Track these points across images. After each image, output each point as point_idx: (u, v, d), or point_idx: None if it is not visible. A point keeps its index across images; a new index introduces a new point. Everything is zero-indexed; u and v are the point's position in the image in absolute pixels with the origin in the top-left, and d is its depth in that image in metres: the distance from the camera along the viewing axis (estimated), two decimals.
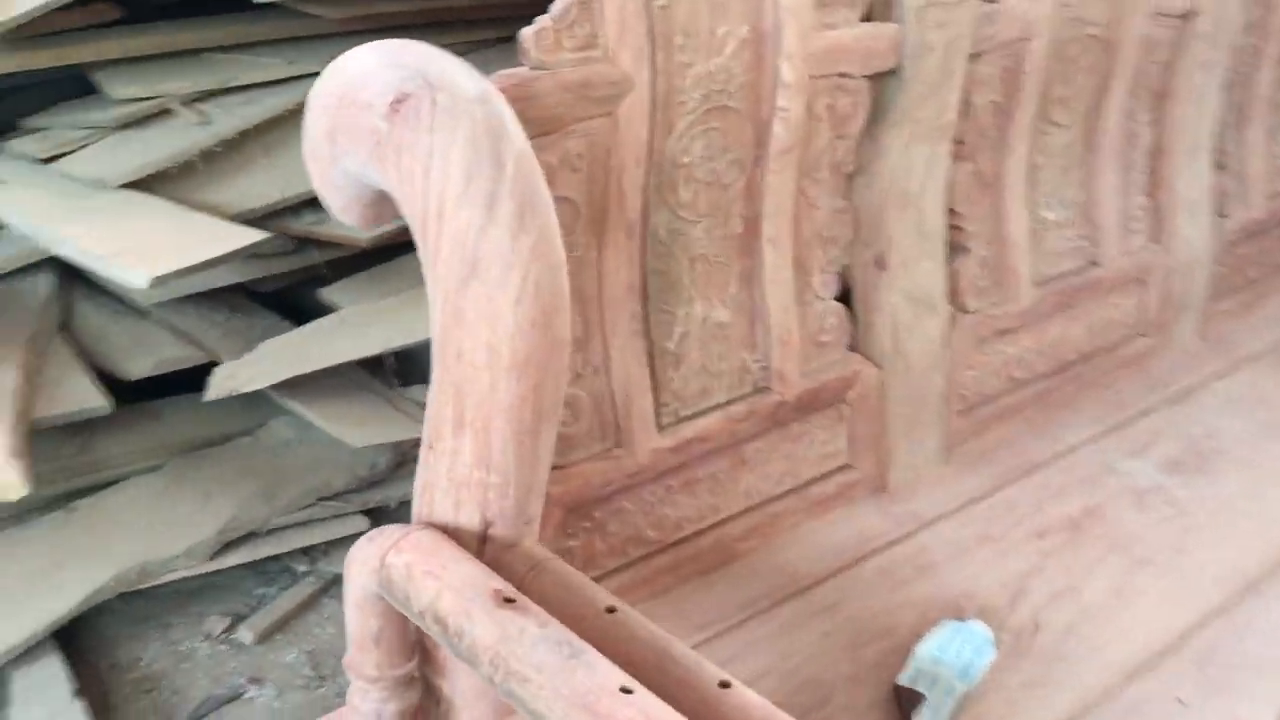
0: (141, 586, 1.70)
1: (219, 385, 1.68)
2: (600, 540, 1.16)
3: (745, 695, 0.81)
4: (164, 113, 1.87)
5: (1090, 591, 1.24)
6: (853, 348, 1.35)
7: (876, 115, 1.28)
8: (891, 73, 1.25)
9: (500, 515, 0.94)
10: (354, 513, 1.84)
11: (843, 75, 1.20)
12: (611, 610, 0.90)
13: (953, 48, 1.27)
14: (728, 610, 1.21)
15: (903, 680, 1.10)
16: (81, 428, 1.74)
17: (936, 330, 1.39)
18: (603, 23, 1.00)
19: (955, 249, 1.44)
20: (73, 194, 1.69)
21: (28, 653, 1.60)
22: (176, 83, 1.88)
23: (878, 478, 1.39)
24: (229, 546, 1.75)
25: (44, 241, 1.62)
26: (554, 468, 1.09)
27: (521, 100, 0.97)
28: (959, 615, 1.19)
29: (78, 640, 1.71)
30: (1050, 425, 1.55)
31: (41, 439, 1.72)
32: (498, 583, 0.85)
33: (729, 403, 1.23)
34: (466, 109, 0.83)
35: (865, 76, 1.22)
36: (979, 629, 1.14)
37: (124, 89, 1.86)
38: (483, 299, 0.85)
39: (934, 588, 1.24)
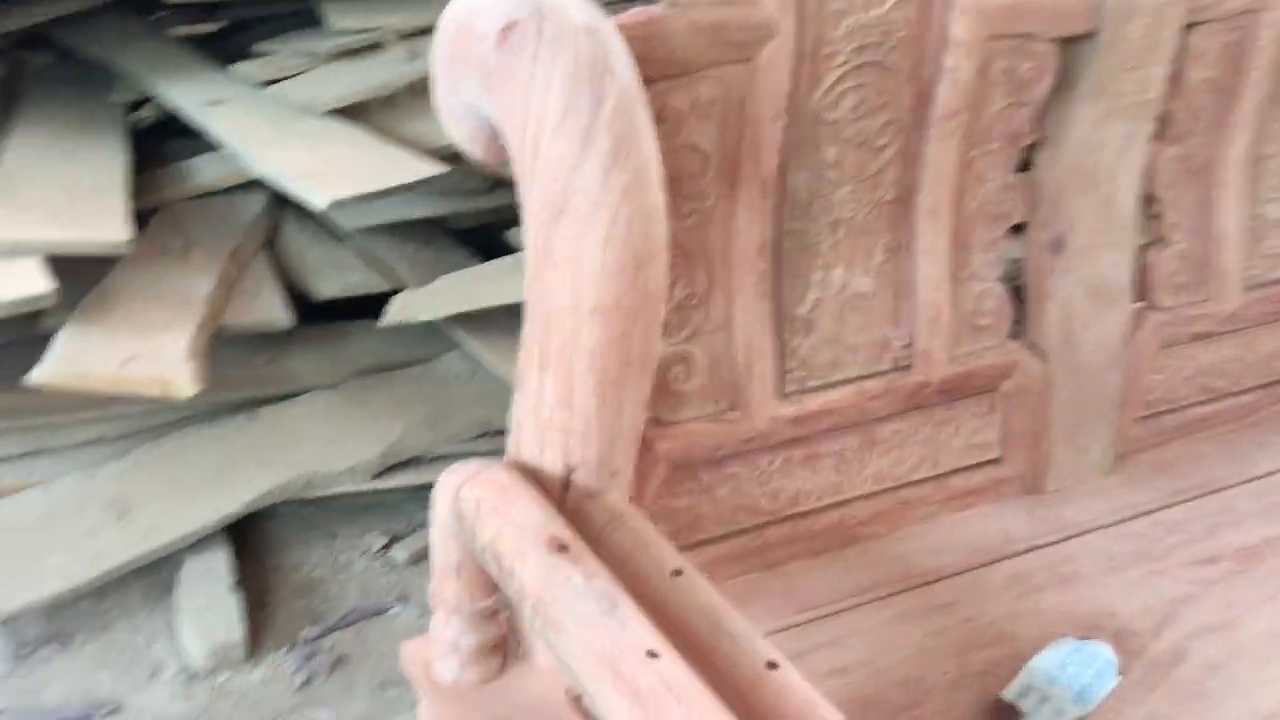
0: (307, 496, 1.78)
1: (395, 312, 1.73)
2: (708, 504, 1.13)
3: (789, 678, 0.76)
4: (377, 46, 1.93)
5: (1249, 630, 1.11)
6: (1016, 336, 1.26)
7: (1065, 83, 1.17)
8: (1086, 37, 1.14)
9: (583, 463, 0.92)
10: None
11: (1025, 36, 1.10)
12: (678, 573, 0.87)
13: (1163, 15, 1.15)
14: (838, 594, 1.15)
15: (1008, 694, 1.02)
16: (273, 340, 1.84)
17: (1117, 326, 1.28)
18: None
19: (1151, 239, 1.31)
20: (282, 117, 1.77)
21: (199, 543, 1.71)
22: (393, 18, 1.94)
23: (1031, 477, 1.30)
24: (393, 469, 1.82)
25: (247, 159, 1.71)
26: (662, 423, 1.08)
27: (648, 39, 0.93)
28: (1090, 634, 1.09)
29: (250, 538, 1.82)
30: (1246, 446, 1.40)
31: (235, 347, 1.83)
32: (557, 529, 0.83)
33: (863, 378, 1.17)
34: (571, 39, 0.81)
35: (1053, 39, 1.12)
36: (1103, 650, 1.04)
37: (344, 21, 1.93)
38: (570, 237, 0.83)
39: (1069, 601, 1.14)
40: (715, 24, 0.96)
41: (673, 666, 0.71)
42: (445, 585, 1.00)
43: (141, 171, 1.91)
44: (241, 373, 1.80)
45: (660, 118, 0.96)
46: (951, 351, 1.20)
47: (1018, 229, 1.23)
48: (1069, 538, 1.23)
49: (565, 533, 0.83)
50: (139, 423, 1.73)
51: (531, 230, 0.85)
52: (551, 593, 0.78)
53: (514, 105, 0.83)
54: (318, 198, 1.53)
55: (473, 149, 0.94)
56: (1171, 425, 1.39)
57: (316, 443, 1.76)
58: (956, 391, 1.22)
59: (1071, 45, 1.15)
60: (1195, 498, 1.31)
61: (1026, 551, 1.21)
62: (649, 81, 0.95)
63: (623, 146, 0.81)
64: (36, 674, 1.62)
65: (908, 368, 1.19)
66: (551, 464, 0.93)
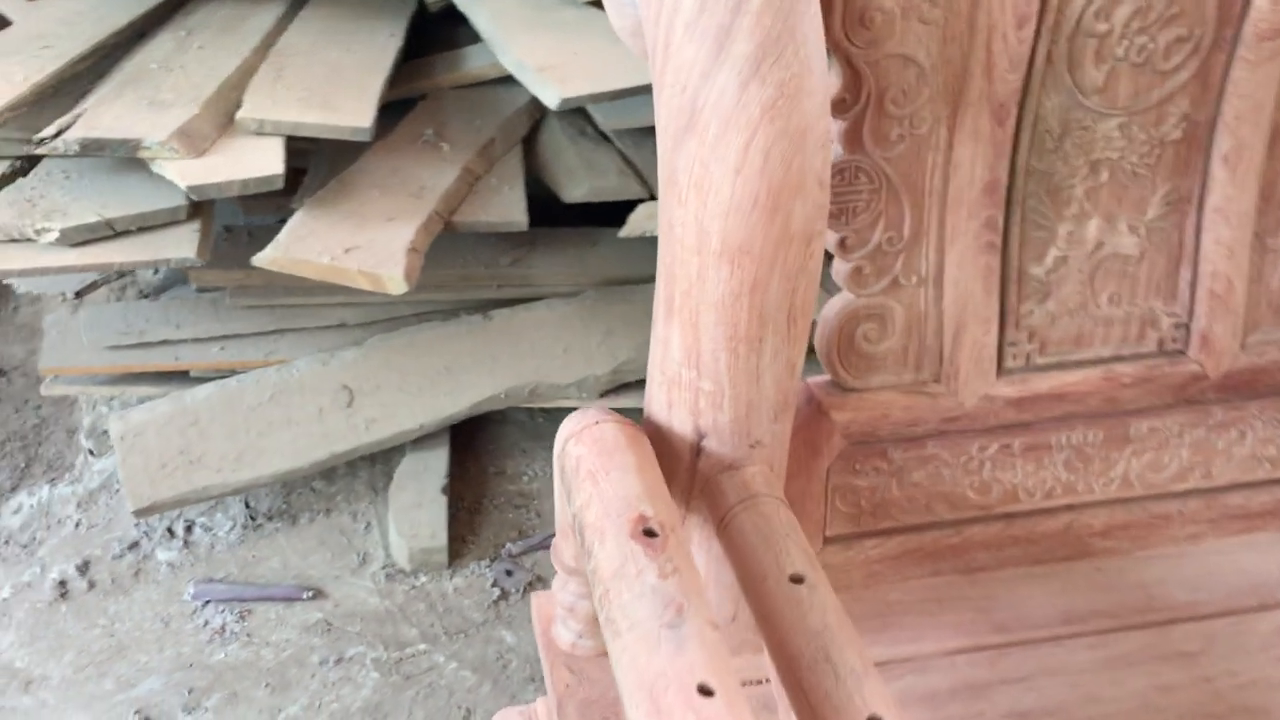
0: (533, 405, 1.73)
1: (635, 224, 1.62)
2: (898, 487, 0.95)
3: None
4: None
5: None
6: None
7: None
8: None
9: (715, 429, 0.78)
10: None
11: None
12: (797, 580, 0.71)
13: None
14: (1048, 617, 0.95)
15: None
16: (520, 240, 1.78)
17: None
18: None
19: None
20: (541, 7, 1.68)
21: (420, 440, 1.70)
22: None
23: None
24: (623, 388, 1.73)
25: (494, 49, 1.64)
26: (844, 389, 0.91)
27: None
28: None
29: (472, 441, 1.80)
30: None
31: (481, 243, 1.79)
32: (653, 508, 0.70)
33: (1115, 360, 0.94)
34: None
35: None
36: None
37: None
38: (696, 162, 0.67)
39: None
40: None
41: (722, 712, 0.57)
42: (564, 543, 0.89)
43: (420, 57, 1.88)
44: (484, 271, 1.75)
45: (863, 21, 0.78)
46: (1244, 338, 0.95)
47: None
48: None
49: (661, 514, 0.69)
50: (379, 312, 1.72)
51: (661, 148, 0.70)
52: (618, 585, 0.65)
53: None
54: (549, 93, 1.43)
55: (634, 45, 0.80)
56: None
57: (547, 351, 1.70)
58: (1245, 389, 0.97)
59: None
60: None
61: None
62: None
63: (769, 51, 0.64)
64: (261, 546, 1.67)
65: (1179, 353, 0.95)
66: (681, 426, 0.79)
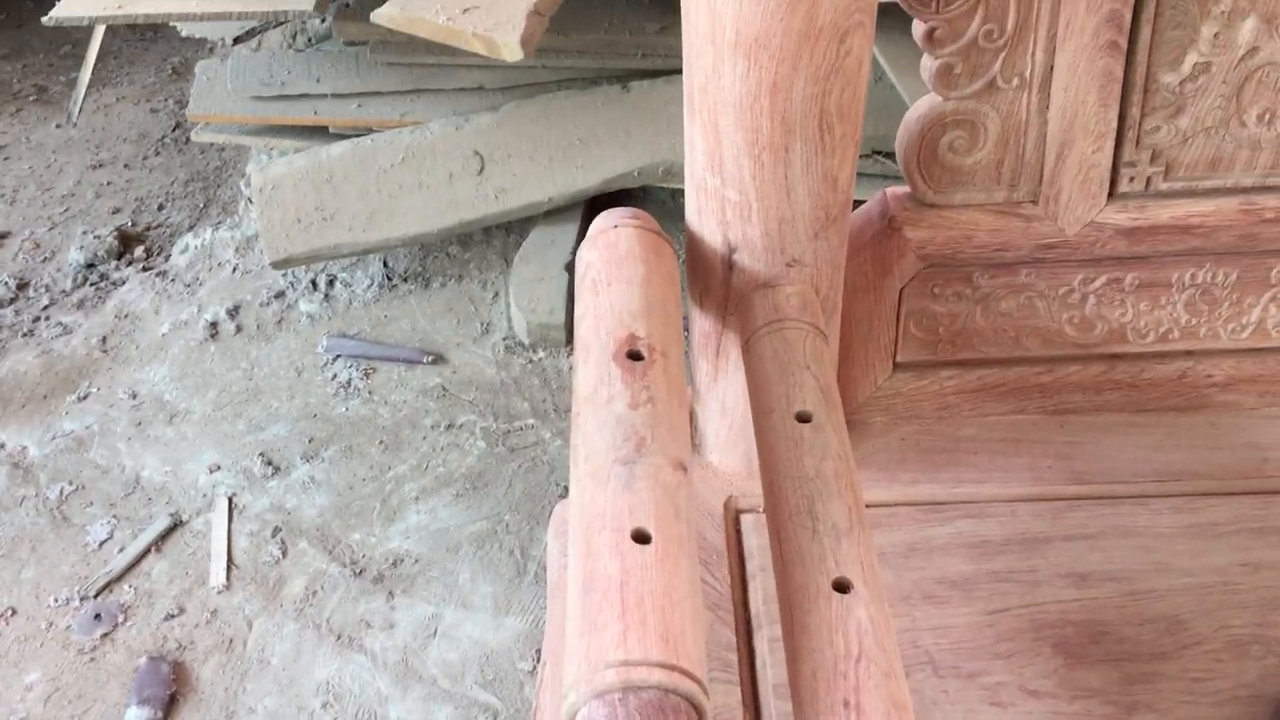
0: (666, 185, 1.65)
1: None
2: (984, 316, 0.85)
3: (856, 611, 0.54)
4: None
5: None
6: None
7: None
8: None
9: (745, 243, 0.71)
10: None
11: None
12: (803, 419, 0.65)
13: None
14: (1139, 471, 0.85)
15: None
16: (668, 6, 1.67)
17: None
18: None
19: None
20: None
21: (552, 214, 1.66)
22: None
23: None
24: None
25: None
26: (923, 204, 0.81)
27: None
28: None
29: None
30: None
31: (630, 9, 1.68)
32: (646, 328, 0.64)
33: (1258, 189, 0.80)
34: None
35: None
36: None
37: None
38: None
39: None
40: None
41: (655, 563, 0.52)
42: None
43: None
44: (628, 38, 1.65)
45: None
46: None
47: None
48: None
49: (656, 335, 0.63)
50: (517, 77, 1.66)
51: None
52: (587, 410, 0.60)
53: None
54: None
55: None
56: None
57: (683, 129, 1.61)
58: None
59: None
60: None
61: None
62: None
63: None
64: (394, 306, 1.70)
65: None
66: (711, 237, 0.72)
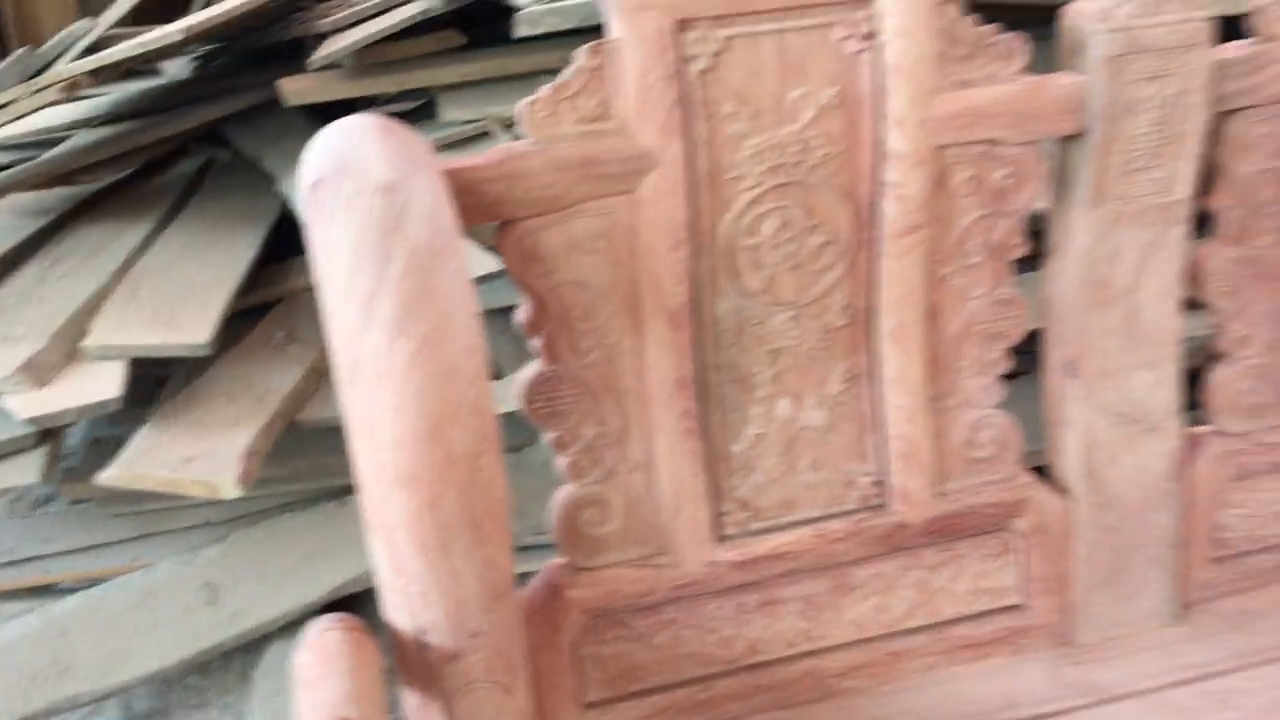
0: None
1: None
2: (644, 652, 1.05)
3: None
4: (484, 135, 1.96)
5: None
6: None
7: (1064, 188, 1.03)
8: (1076, 137, 0.99)
9: (431, 625, 0.88)
10: None
11: (989, 142, 0.97)
12: None
13: (1177, 105, 0.98)
14: None
15: None
16: None
17: (1159, 458, 1.09)
18: (617, 92, 0.89)
19: (1215, 355, 1.12)
20: None
21: (286, 628, 1.78)
22: (501, 106, 1.96)
23: (1060, 628, 1.13)
24: None
25: None
26: (577, 569, 1.01)
27: (509, 178, 0.89)
28: None
29: None
30: None
31: (333, 433, 1.89)
32: (357, 710, 0.79)
33: (823, 518, 1.06)
34: (365, 199, 0.78)
35: (1030, 143, 0.98)
36: None
37: (455, 112, 1.98)
38: (362, 405, 0.79)
39: None
40: (583, 158, 0.89)
41: None
42: None
43: (284, 259, 2.02)
44: (339, 459, 1.85)
45: (534, 256, 0.92)
46: (938, 488, 1.07)
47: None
48: (1089, 705, 1.07)
49: (366, 714, 0.79)
50: (241, 507, 1.82)
51: (338, 395, 0.82)
52: None
53: (317, 266, 0.81)
54: None
55: None
56: (1268, 567, 1.18)
57: None
58: (951, 532, 1.08)
59: (1068, 144, 1.00)
60: (1273, 660, 1.10)
61: (1031, 719, 1.06)
62: (516, 221, 0.91)
63: (412, 310, 0.77)
64: None
65: (880, 507, 1.06)
66: (404, 624, 0.89)
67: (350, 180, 0.79)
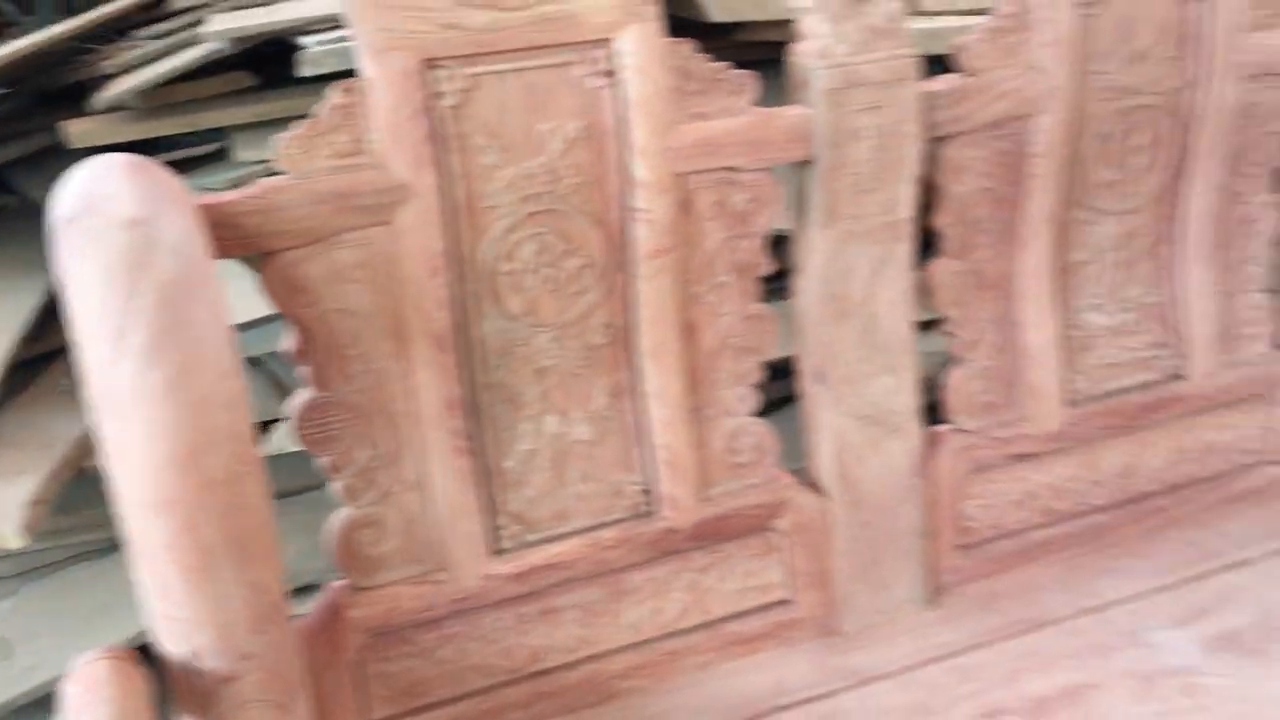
0: None
1: (275, 442, 1.74)
2: (429, 666, 1.08)
3: None
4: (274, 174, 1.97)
5: None
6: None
7: (802, 210, 1.12)
8: (807, 163, 1.08)
9: (203, 650, 0.90)
10: None
11: (729, 169, 1.05)
12: None
13: (893, 133, 1.08)
14: None
15: None
16: None
17: (903, 456, 1.19)
18: (370, 128, 0.94)
19: (952, 359, 1.23)
20: None
21: None
22: None
23: (826, 619, 1.21)
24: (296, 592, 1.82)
25: None
26: (356, 589, 1.04)
27: (267, 211, 0.92)
28: None
29: None
30: (1090, 573, 1.29)
31: None
32: None
33: (595, 528, 1.11)
34: (112, 235, 0.81)
35: (765, 169, 1.07)
36: None
37: (249, 152, 1.98)
38: (116, 434, 0.81)
39: None
40: (338, 191, 0.94)
41: None
42: None
43: None
44: None
45: (298, 286, 0.95)
46: (702, 494, 1.14)
47: None
48: (848, 688, 1.15)
49: None
50: (31, 560, 1.77)
51: (95, 423, 0.84)
52: None
53: (69, 302, 0.82)
54: None
55: None
56: (1007, 552, 1.29)
57: None
58: (717, 534, 1.15)
59: (801, 170, 1.09)
60: (1011, 636, 1.20)
61: (798, 704, 1.13)
62: (276, 252, 0.94)
63: (163, 340, 0.79)
64: None
65: (649, 514, 1.13)
66: (177, 650, 0.91)
67: (97, 217, 0.81)
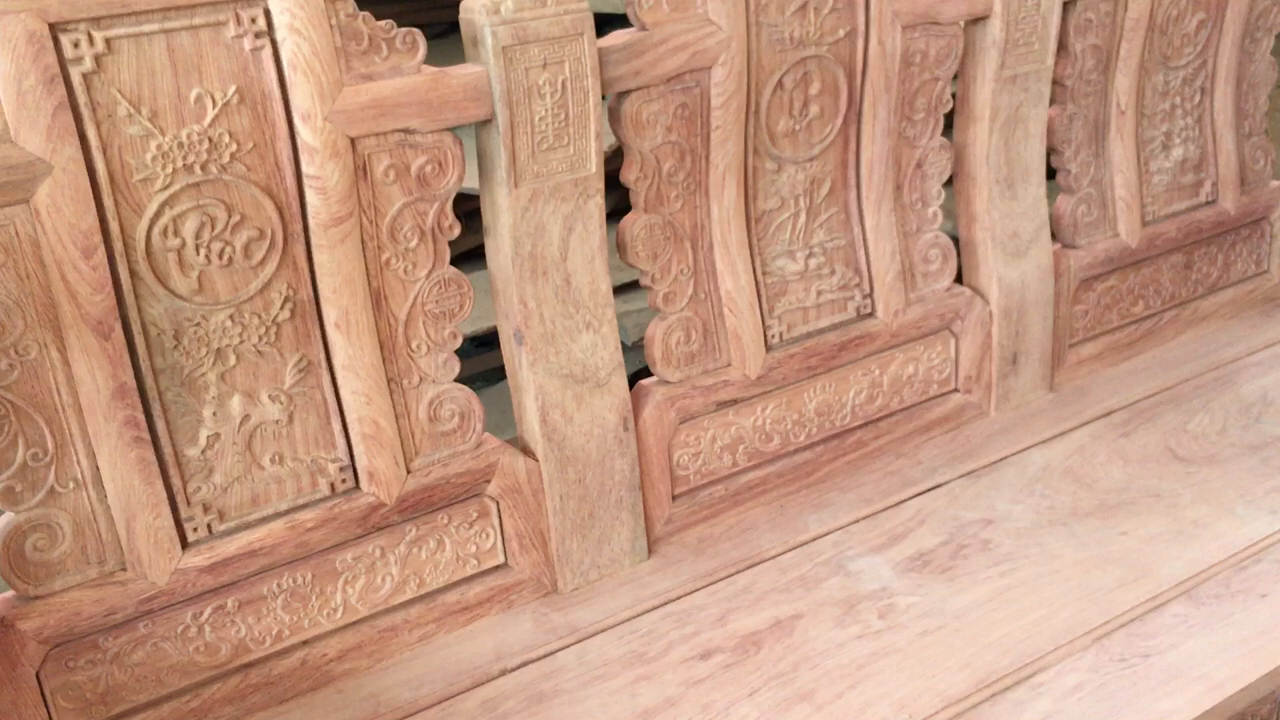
0: None
1: None
2: (121, 671, 1.02)
3: None
4: None
5: None
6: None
7: (486, 171, 1.10)
8: (484, 125, 1.07)
9: None
10: None
11: (404, 131, 1.02)
12: None
13: (572, 90, 1.08)
14: None
15: None
16: None
17: (610, 411, 1.20)
18: None
19: (653, 312, 1.25)
20: None
21: None
22: None
23: (546, 579, 1.22)
24: None
25: None
26: (29, 599, 0.97)
27: None
28: None
29: None
30: (800, 508, 1.34)
31: None
32: None
33: (295, 509, 1.07)
34: None
35: (438, 132, 1.04)
36: None
37: None
38: None
39: None
40: None
41: None
42: None
43: None
44: None
45: None
46: (407, 465, 1.11)
47: None
48: (567, 645, 1.15)
49: None
50: None
51: None
52: None
53: None
54: None
55: None
56: (720, 496, 1.32)
57: None
58: (427, 505, 1.13)
59: (482, 130, 1.08)
60: (725, 577, 1.24)
61: (519, 667, 1.13)
62: None
63: None
64: None
65: (352, 490, 1.10)
66: None
67: None
